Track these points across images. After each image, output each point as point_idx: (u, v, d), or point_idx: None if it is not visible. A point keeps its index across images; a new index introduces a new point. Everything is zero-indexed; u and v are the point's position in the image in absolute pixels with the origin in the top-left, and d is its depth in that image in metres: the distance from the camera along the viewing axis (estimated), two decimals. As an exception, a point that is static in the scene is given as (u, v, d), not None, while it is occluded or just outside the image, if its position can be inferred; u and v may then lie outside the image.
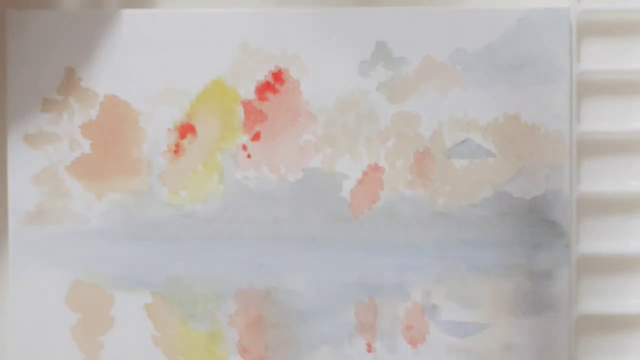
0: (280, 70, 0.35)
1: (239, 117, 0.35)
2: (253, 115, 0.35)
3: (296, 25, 0.35)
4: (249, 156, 0.35)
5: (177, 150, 0.35)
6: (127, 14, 0.35)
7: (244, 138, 0.35)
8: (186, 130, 0.35)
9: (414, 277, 0.35)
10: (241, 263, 0.35)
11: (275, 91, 0.35)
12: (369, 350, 0.35)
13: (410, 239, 0.35)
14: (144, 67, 0.35)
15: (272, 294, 0.35)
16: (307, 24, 0.35)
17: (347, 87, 0.35)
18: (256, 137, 0.35)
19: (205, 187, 0.35)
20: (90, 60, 0.34)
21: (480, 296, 0.35)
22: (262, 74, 0.35)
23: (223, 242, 0.35)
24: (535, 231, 0.35)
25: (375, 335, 0.35)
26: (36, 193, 0.34)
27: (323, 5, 0.35)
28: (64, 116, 0.35)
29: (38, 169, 0.34)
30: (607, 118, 0.36)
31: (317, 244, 0.35)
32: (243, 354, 0.35)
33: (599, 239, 0.36)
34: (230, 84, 0.35)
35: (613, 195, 0.36)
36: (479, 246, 0.35)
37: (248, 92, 0.35)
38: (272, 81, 0.35)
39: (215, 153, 0.35)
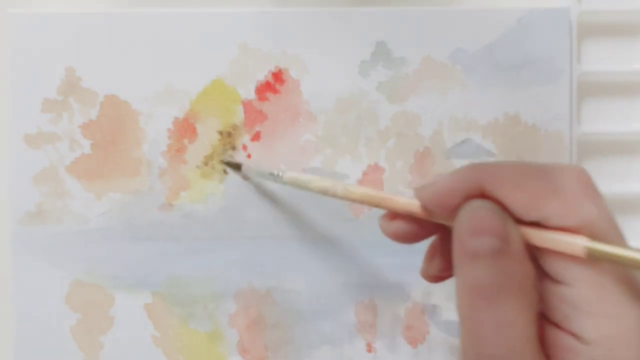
0: (280, 70, 0.35)
1: (239, 117, 0.35)
2: (253, 115, 0.35)
3: (296, 25, 0.35)
4: (249, 156, 0.35)
5: (177, 150, 0.35)
6: (127, 14, 0.35)
7: (244, 138, 0.35)
8: (186, 130, 0.35)
9: (414, 277, 0.35)
10: (241, 263, 0.35)
11: (275, 91, 0.35)
12: (369, 350, 0.35)
13: (410, 239, 0.35)
14: (144, 67, 0.34)
15: (272, 294, 0.35)
16: (307, 24, 0.35)
17: (347, 87, 0.35)
18: (256, 137, 0.35)
19: (205, 187, 0.35)
20: (90, 60, 0.34)
21: (480, 296, 0.35)
22: (262, 74, 0.35)
23: (223, 242, 0.35)
24: (535, 231, 0.35)
25: (375, 335, 0.35)
26: (36, 193, 0.34)
27: (323, 5, 0.35)
28: (64, 116, 0.35)
29: (38, 169, 0.34)
30: (607, 118, 0.36)
31: (317, 244, 0.35)
32: (243, 354, 0.35)
33: (599, 239, 0.36)
34: (230, 84, 0.35)
35: (613, 196, 0.36)
36: (479, 246, 0.35)
37: (248, 92, 0.35)
38: (272, 81, 0.35)
39: (216, 153, 0.35)
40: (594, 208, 0.21)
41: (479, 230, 0.21)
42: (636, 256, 0.19)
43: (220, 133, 0.35)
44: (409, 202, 0.24)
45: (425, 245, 0.26)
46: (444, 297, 0.35)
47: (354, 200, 0.26)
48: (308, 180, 0.29)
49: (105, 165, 0.35)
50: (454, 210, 0.22)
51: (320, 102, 0.35)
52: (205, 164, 0.35)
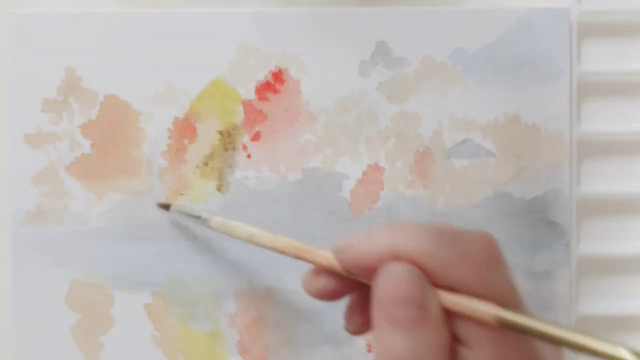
0: (280, 70, 0.35)
1: (239, 117, 0.35)
2: (253, 115, 0.35)
3: (296, 25, 0.35)
4: (249, 156, 0.35)
5: (177, 150, 0.35)
6: (127, 14, 0.35)
7: (244, 138, 0.35)
8: (186, 130, 0.35)
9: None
10: (241, 263, 0.35)
11: (275, 91, 0.35)
12: (369, 350, 0.35)
13: (410, 239, 0.35)
14: (144, 67, 0.34)
15: (272, 294, 0.35)
16: (307, 24, 0.35)
17: (347, 87, 0.35)
18: (256, 137, 0.35)
19: (205, 187, 0.35)
20: (90, 60, 0.34)
21: (480, 296, 0.35)
22: (262, 74, 0.35)
23: (223, 242, 0.35)
24: (535, 231, 0.35)
25: (375, 335, 0.35)
26: (36, 193, 0.34)
27: (323, 5, 0.35)
28: (64, 116, 0.35)
29: (38, 169, 0.34)
30: (607, 118, 0.36)
31: (318, 244, 0.35)
32: (243, 354, 0.35)
33: (599, 240, 0.36)
34: (230, 84, 0.35)
35: (613, 196, 0.36)
36: (479, 246, 0.35)
37: (248, 92, 0.35)
38: (272, 81, 0.35)
39: (216, 153, 0.35)
40: (499, 276, 0.22)
41: (400, 299, 0.21)
42: (544, 329, 0.20)
43: (220, 133, 0.35)
44: (332, 257, 0.24)
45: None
46: (444, 297, 0.35)
47: (277, 250, 0.26)
48: (235, 226, 0.29)
49: (105, 165, 0.35)
50: (373, 271, 0.22)
51: (320, 102, 0.35)
52: (205, 164, 0.35)
